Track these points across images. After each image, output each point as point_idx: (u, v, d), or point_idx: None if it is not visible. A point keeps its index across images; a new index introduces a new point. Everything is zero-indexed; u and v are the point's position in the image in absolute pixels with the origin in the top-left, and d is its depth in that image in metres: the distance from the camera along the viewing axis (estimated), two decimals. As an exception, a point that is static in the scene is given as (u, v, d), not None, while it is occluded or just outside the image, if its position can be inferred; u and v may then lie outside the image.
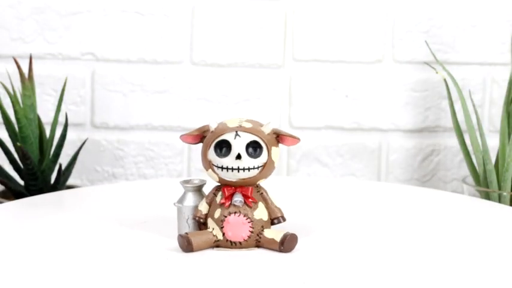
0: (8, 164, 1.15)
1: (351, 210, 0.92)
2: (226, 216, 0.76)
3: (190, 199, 0.78)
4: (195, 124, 1.25)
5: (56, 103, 1.16)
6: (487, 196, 1.11)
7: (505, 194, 1.10)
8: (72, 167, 1.13)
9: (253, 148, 0.75)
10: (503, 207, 0.95)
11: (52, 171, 1.11)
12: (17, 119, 1.07)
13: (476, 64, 1.26)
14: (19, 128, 1.07)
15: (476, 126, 1.20)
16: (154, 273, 0.69)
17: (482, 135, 1.12)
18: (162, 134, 1.26)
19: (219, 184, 0.77)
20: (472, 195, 1.12)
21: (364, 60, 1.26)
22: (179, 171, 1.26)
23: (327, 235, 0.81)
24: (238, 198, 0.76)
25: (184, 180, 0.79)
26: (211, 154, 0.75)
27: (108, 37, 1.24)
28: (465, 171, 1.26)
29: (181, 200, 0.78)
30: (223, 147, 0.75)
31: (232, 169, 0.75)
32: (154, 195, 0.98)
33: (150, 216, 0.87)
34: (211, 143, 0.75)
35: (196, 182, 0.78)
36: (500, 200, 1.10)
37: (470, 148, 1.17)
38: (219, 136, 0.75)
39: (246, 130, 0.75)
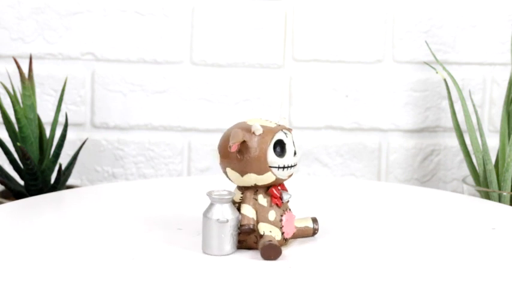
0: (8, 164, 1.15)
1: (351, 209, 0.92)
2: (282, 215, 0.76)
3: (227, 211, 0.74)
4: (195, 124, 1.25)
5: (56, 103, 1.16)
6: (487, 196, 1.11)
7: (505, 194, 1.10)
8: (72, 167, 1.13)
9: (294, 144, 0.76)
10: (503, 207, 0.95)
11: (52, 171, 1.11)
12: (17, 119, 1.07)
13: (476, 64, 1.26)
14: (19, 128, 1.07)
15: (476, 126, 1.20)
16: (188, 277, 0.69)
17: (482, 135, 1.12)
18: (162, 134, 1.26)
19: (250, 187, 0.75)
20: (472, 195, 1.12)
21: (364, 60, 1.26)
22: (179, 171, 1.26)
23: (328, 234, 0.81)
24: (287, 196, 0.76)
25: (213, 192, 0.74)
26: (271, 156, 0.74)
27: (108, 37, 1.24)
28: (465, 171, 1.26)
29: (214, 214, 0.73)
30: (280, 147, 0.74)
31: (290, 167, 0.75)
32: (154, 195, 0.98)
33: (151, 216, 0.87)
34: (269, 145, 0.74)
35: (224, 192, 0.74)
36: (500, 200, 1.10)
37: (470, 148, 1.17)
38: (272, 137, 0.74)
39: (284, 128, 0.76)
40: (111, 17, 1.24)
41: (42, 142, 1.10)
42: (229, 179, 0.76)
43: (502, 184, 1.11)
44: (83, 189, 1.01)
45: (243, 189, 0.76)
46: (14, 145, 1.08)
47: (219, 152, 0.76)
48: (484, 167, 1.12)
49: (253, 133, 0.74)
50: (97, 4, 1.24)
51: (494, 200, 1.09)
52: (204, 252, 0.74)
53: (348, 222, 0.86)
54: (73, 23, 1.24)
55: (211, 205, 0.74)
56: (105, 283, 0.67)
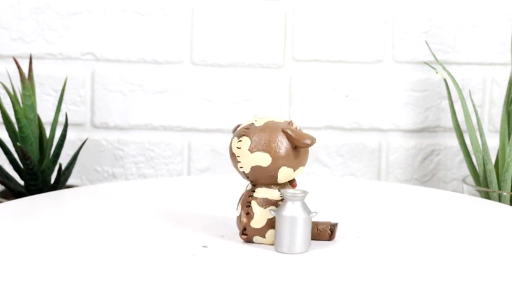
0: (8, 164, 1.15)
1: (351, 209, 0.92)
2: None
3: (300, 208, 0.75)
4: (195, 124, 1.25)
5: (56, 103, 1.16)
6: (487, 196, 1.11)
7: (505, 194, 1.10)
8: (72, 167, 1.13)
9: None
10: (503, 207, 0.95)
11: (52, 171, 1.11)
12: (17, 119, 1.07)
13: (476, 64, 1.26)
14: (19, 128, 1.07)
15: (476, 126, 1.20)
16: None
17: (482, 135, 1.12)
18: (162, 134, 1.26)
19: (282, 183, 0.77)
20: (472, 195, 1.12)
21: (364, 60, 1.26)
22: (179, 171, 1.26)
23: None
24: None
25: (286, 191, 0.75)
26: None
27: (108, 37, 1.24)
28: (465, 171, 1.26)
29: (294, 212, 0.74)
30: None
31: None
32: (154, 195, 0.98)
33: (151, 216, 0.87)
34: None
35: (297, 191, 0.75)
36: (500, 200, 1.10)
37: (470, 148, 1.17)
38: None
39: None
40: (111, 17, 1.24)
41: (42, 142, 1.10)
42: (277, 178, 0.76)
43: (502, 184, 1.11)
44: (83, 188, 1.01)
45: (272, 186, 0.76)
46: (14, 145, 1.08)
47: (271, 155, 0.75)
48: (484, 167, 1.12)
49: (296, 128, 0.76)
50: (97, 4, 1.24)
51: (494, 200, 1.09)
52: (278, 251, 0.75)
53: (348, 223, 0.86)
54: (73, 23, 1.24)
55: (295, 203, 0.75)
56: (106, 283, 0.67)
